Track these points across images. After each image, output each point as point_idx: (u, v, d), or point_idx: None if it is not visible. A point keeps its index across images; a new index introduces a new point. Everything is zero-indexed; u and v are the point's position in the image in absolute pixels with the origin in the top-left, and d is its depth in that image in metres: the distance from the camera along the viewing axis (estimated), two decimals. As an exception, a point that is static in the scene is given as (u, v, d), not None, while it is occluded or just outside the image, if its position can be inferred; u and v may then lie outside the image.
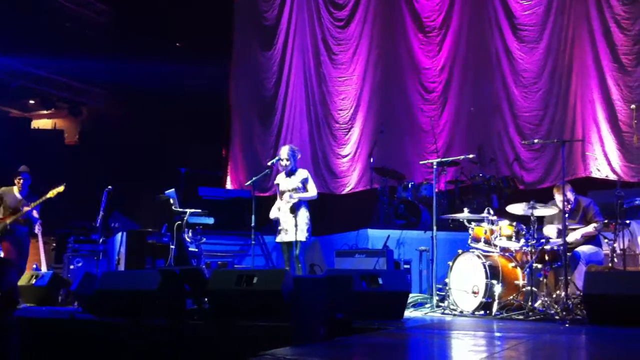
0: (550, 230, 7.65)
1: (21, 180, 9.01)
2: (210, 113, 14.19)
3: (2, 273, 6.35)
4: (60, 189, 8.87)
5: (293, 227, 7.92)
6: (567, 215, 7.16)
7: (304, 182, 8.08)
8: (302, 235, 7.92)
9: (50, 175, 9.03)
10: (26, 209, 8.80)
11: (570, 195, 7.66)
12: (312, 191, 8.11)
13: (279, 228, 8.09)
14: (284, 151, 8.15)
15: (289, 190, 8.02)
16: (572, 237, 7.45)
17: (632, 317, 5.96)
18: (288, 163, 8.07)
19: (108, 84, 15.80)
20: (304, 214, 7.99)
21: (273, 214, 8.14)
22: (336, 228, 10.73)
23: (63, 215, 10.81)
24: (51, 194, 8.88)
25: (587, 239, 7.56)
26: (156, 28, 14.43)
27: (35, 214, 8.92)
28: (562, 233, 7.04)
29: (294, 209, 7.91)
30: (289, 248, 8.06)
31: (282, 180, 8.16)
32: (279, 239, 8.12)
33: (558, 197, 7.58)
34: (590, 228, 7.47)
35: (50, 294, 9.04)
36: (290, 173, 8.08)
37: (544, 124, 10.92)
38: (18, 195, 8.98)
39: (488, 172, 10.41)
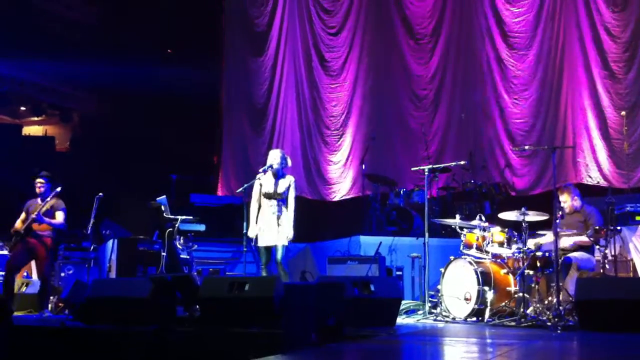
0: (543, 238, 7.67)
1: (39, 185, 8.54)
2: (202, 119, 14.17)
3: None
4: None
5: (275, 231, 7.71)
6: (557, 220, 7.16)
7: (289, 188, 7.88)
8: (284, 241, 7.71)
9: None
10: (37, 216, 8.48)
11: (576, 202, 7.67)
12: (291, 202, 7.83)
13: (260, 231, 7.82)
14: (276, 155, 8.02)
15: (274, 194, 7.86)
16: (565, 242, 7.45)
17: (623, 323, 5.98)
18: (278, 166, 7.91)
19: (99, 90, 15.76)
20: (285, 218, 7.77)
21: (252, 232, 7.89)
22: (328, 235, 10.72)
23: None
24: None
25: (581, 247, 7.56)
26: (148, 33, 14.41)
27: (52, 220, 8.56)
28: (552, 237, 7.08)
29: (278, 215, 7.78)
30: (267, 252, 7.81)
31: (267, 182, 7.90)
32: (259, 242, 7.82)
33: (562, 199, 7.60)
34: (583, 237, 7.45)
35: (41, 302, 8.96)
36: (275, 176, 7.94)
37: (535, 131, 10.96)
38: (38, 201, 8.56)
39: (480, 179, 10.43)
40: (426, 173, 8.38)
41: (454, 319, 7.50)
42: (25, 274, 10.01)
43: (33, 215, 8.38)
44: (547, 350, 5.32)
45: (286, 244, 7.75)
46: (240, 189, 8.29)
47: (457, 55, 11.86)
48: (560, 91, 10.88)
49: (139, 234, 10.19)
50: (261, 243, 7.82)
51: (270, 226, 7.75)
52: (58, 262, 10.18)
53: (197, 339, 6.06)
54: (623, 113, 9.59)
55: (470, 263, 7.51)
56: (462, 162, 9.10)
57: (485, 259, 7.68)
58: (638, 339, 5.60)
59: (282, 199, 7.81)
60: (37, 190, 8.62)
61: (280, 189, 7.80)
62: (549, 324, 6.56)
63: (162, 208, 9.27)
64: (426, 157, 11.09)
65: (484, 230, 7.74)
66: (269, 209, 7.80)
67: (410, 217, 10.13)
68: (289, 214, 7.82)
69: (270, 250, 7.81)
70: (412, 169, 10.59)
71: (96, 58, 14.07)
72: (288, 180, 7.88)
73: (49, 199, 8.55)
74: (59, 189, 8.59)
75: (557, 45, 10.96)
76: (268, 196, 7.85)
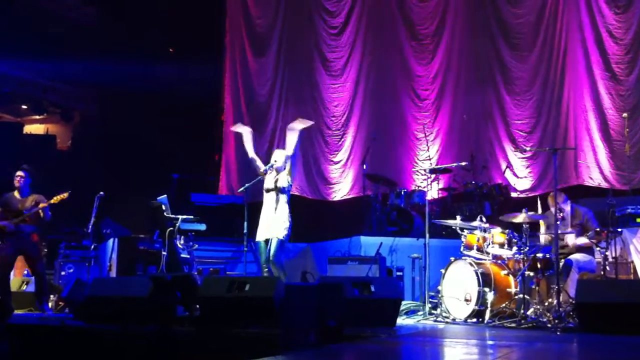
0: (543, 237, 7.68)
1: (19, 179, 8.60)
2: (204, 118, 14.16)
3: None
4: (64, 195, 8.62)
5: (272, 225, 7.80)
6: (559, 222, 7.15)
7: (285, 161, 8.00)
8: (280, 233, 7.77)
9: (42, 180, 8.93)
10: (42, 205, 8.52)
11: (565, 206, 7.67)
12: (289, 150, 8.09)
13: (260, 226, 7.92)
14: (280, 154, 8.10)
15: (272, 189, 7.94)
16: (569, 241, 7.47)
17: (623, 325, 5.97)
18: (281, 165, 8.00)
19: (101, 89, 15.75)
20: (284, 211, 7.86)
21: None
22: (329, 235, 10.70)
23: (54, 221, 10.77)
24: (55, 200, 8.59)
25: (581, 248, 7.56)
26: (150, 33, 14.40)
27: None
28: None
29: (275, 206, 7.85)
30: (267, 246, 7.87)
31: (268, 179, 8.04)
32: (258, 236, 7.93)
33: (558, 199, 7.59)
34: (584, 239, 7.47)
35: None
36: (277, 173, 8.01)
37: (536, 132, 10.95)
38: (18, 196, 8.61)
39: (480, 180, 10.40)
40: (427, 174, 8.38)
41: (454, 319, 7.50)
42: (25, 272, 10.02)
43: (41, 207, 8.43)
44: (547, 352, 5.31)
45: (281, 237, 7.78)
46: (242, 189, 8.31)
47: (458, 56, 11.85)
48: (562, 93, 10.87)
49: (140, 233, 10.20)
50: (260, 237, 7.89)
51: (268, 219, 7.83)
52: (58, 260, 10.21)
53: (196, 339, 6.06)
54: (625, 115, 9.58)
55: (471, 264, 7.51)
56: (463, 163, 9.10)
57: (485, 260, 7.68)
58: (638, 342, 5.59)
59: (280, 192, 7.91)
60: (17, 183, 8.63)
61: (279, 184, 7.92)
62: (549, 325, 6.56)
63: (163, 207, 9.28)
64: (427, 158, 11.09)
65: (485, 231, 7.74)
66: (267, 204, 7.92)
67: (410, 217, 10.12)
68: (283, 209, 7.88)
69: (269, 243, 7.87)
70: (413, 169, 10.60)
71: (97, 57, 14.05)
72: (284, 171, 8.00)
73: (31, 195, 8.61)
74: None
75: (559, 47, 10.95)
76: (267, 190, 8.01)
